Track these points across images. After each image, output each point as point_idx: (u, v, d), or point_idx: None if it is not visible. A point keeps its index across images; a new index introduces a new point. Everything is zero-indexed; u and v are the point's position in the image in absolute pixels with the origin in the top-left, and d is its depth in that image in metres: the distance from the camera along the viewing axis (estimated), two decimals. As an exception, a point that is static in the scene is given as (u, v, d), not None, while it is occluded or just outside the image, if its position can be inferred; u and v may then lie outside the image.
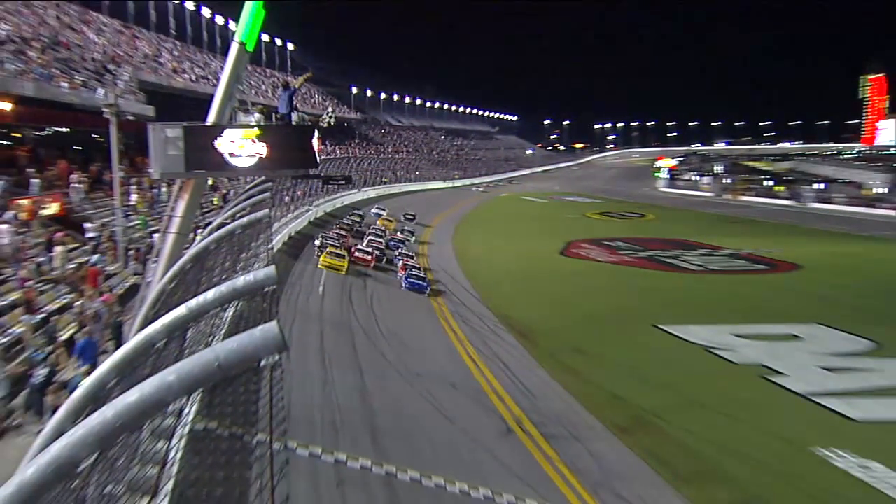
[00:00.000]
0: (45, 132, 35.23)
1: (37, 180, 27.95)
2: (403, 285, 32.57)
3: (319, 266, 32.88)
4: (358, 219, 52.84)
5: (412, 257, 39.79)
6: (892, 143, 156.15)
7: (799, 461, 16.87)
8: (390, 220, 55.25)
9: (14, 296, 18.08)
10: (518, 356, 24.09)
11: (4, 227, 21.67)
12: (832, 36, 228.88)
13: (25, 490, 2.55)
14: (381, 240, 43.23)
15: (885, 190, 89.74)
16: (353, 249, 37.04)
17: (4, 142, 32.80)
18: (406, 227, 53.00)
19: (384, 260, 38.09)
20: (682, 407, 19.90)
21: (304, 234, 40.92)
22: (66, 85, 34.24)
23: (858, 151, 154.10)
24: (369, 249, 37.96)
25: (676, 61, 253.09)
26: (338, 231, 43.22)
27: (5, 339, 15.86)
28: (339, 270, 32.60)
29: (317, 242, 37.39)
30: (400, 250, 40.95)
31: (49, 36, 41.51)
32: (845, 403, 20.52)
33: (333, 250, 34.50)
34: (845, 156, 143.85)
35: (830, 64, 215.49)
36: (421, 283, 32.75)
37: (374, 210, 60.22)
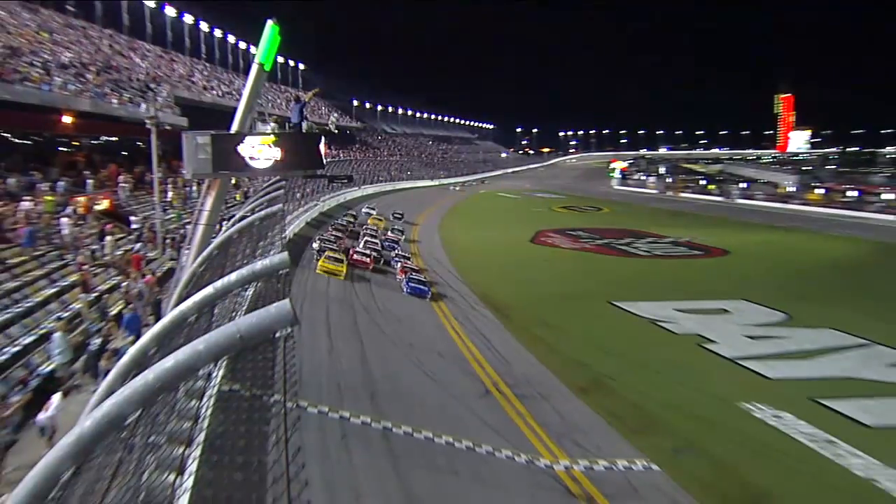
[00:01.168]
0: (99, 141, 35.27)
1: (91, 181, 28.03)
2: (405, 290, 27.34)
3: (318, 271, 26.85)
4: (352, 219, 45.04)
5: (409, 258, 33.99)
6: (800, 150, 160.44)
7: (727, 413, 17.03)
8: (380, 220, 47.43)
9: (73, 277, 18.20)
10: (495, 329, 23.98)
11: (65, 220, 21.69)
12: (751, 66, 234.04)
13: (84, 439, 2.62)
14: (376, 240, 36.41)
15: (795, 188, 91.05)
16: (351, 252, 30.85)
17: (66, 149, 33.13)
18: (396, 227, 46.39)
19: (381, 261, 32.50)
20: (633, 370, 19.94)
21: (302, 237, 35.03)
22: (115, 101, 34.30)
23: (774, 156, 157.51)
24: (367, 251, 31.80)
25: (628, 80, 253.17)
26: (334, 233, 35.95)
27: (67, 314, 15.94)
28: (338, 275, 26.77)
29: (315, 246, 30.91)
30: (396, 251, 35.06)
31: (103, 61, 41.32)
32: (763, 365, 20.79)
33: (332, 254, 28.29)
34: (764, 160, 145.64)
35: (751, 85, 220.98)
36: (422, 287, 27.53)
37: (364, 209, 51.90)
